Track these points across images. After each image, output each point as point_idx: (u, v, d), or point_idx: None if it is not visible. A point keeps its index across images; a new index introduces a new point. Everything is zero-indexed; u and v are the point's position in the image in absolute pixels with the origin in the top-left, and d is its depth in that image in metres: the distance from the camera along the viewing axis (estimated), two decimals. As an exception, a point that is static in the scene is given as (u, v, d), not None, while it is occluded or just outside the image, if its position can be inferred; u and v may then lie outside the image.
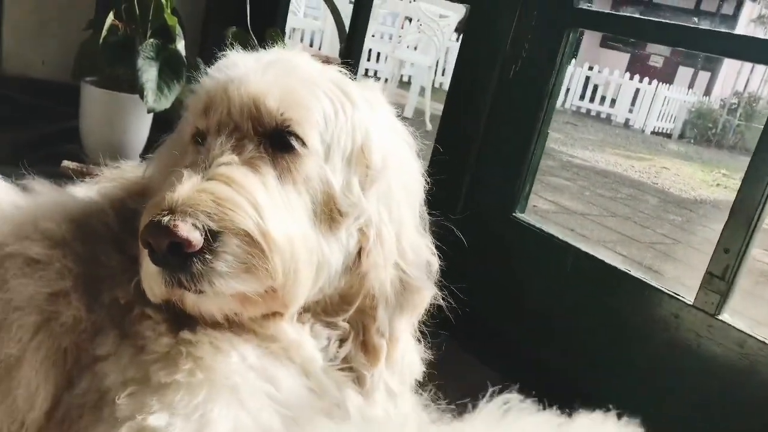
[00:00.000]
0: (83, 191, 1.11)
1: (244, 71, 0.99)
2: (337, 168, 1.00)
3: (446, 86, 9.08)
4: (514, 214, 1.90)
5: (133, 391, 0.86)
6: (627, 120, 13.86)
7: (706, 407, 1.47)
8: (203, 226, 0.84)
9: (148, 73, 2.30)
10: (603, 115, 13.90)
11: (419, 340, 1.18)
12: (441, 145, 1.96)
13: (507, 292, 1.90)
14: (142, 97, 2.27)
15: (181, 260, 0.85)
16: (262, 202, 0.89)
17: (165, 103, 2.30)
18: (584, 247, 1.74)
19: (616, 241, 4.42)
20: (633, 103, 13.78)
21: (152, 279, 0.90)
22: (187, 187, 0.87)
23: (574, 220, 4.67)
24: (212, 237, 0.85)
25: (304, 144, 0.96)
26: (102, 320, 0.94)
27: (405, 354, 1.14)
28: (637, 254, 4.26)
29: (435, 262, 1.14)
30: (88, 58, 2.59)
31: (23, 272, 0.94)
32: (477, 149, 1.98)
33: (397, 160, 1.08)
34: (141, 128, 2.60)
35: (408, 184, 1.10)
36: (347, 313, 1.06)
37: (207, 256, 0.85)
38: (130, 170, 1.17)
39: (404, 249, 1.07)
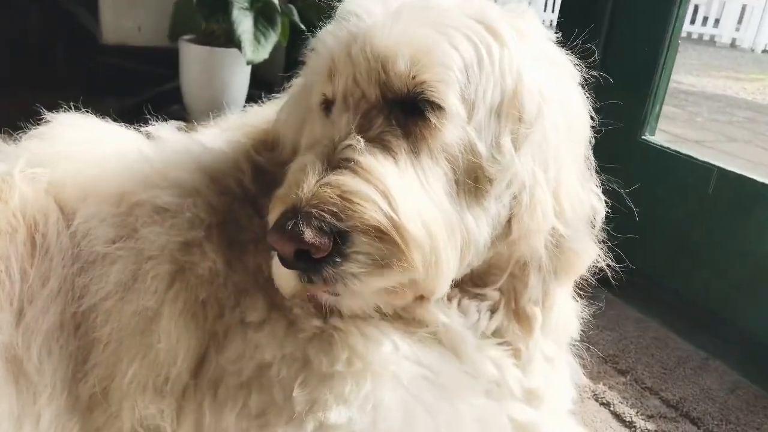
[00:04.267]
0: (211, 140, 1.05)
1: (369, 24, 0.86)
2: (482, 126, 0.86)
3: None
4: (643, 136, 1.75)
5: (303, 380, 0.84)
6: (733, 40, 12.78)
7: None
8: (330, 228, 0.76)
9: (244, 24, 2.28)
10: (706, 37, 12.89)
11: (576, 297, 1.07)
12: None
13: (643, 221, 1.77)
14: (239, 48, 2.26)
15: (311, 265, 0.77)
16: (393, 189, 0.79)
17: (263, 54, 2.27)
18: (728, 166, 1.58)
19: (740, 168, 4.08)
20: (739, 21, 12.69)
21: (283, 279, 0.83)
22: (312, 181, 0.78)
23: (689, 149, 4.34)
24: (341, 238, 0.76)
25: (441, 108, 0.84)
26: (246, 282, 0.90)
27: (560, 314, 1.02)
28: None
29: (600, 210, 0.99)
30: (183, 18, 2.60)
31: (153, 220, 0.91)
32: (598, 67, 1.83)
33: (555, 100, 0.91)
34: (240, 83, 2.60)
35: (571, 125, 0.94)
36: (497, 284, 0.96)
37: (337, 259, 0.77)
38: (254, 116, 1.11)
39: (562, 208, 0.92)
